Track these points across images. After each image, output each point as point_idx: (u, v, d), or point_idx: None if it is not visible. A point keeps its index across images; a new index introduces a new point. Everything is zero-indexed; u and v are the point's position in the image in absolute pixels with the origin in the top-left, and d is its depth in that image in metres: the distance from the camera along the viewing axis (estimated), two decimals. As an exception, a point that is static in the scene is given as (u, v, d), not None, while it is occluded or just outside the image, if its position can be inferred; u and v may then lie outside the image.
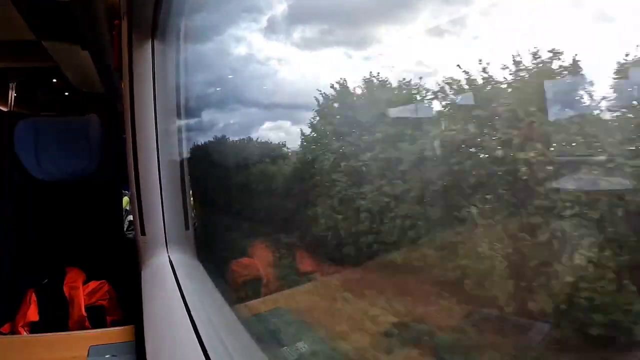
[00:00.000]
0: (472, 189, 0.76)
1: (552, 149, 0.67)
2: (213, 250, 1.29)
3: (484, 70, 0.75)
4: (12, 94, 3.14)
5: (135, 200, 1.06)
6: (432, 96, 0.87)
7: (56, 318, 1.33)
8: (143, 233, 1.06)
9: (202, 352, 0.65)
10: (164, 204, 1.06)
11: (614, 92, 0.60)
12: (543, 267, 0.66)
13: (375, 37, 1.12)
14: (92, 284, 1.42)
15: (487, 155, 0.76)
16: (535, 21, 0.70)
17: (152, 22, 1.02)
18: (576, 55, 0.63)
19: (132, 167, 1.06)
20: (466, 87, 0.79)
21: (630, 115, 0.61)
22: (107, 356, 0.93)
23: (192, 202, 1.15)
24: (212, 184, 1.51)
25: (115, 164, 1.60)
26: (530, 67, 0.69)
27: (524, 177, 0.67)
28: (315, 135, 1.21)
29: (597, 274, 0.59)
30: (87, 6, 1.49)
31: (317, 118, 1.18)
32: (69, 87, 2.95)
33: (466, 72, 0.77)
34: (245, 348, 0.74)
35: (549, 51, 0.66)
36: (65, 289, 1.39)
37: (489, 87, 0.76)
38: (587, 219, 0.61)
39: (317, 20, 1.27)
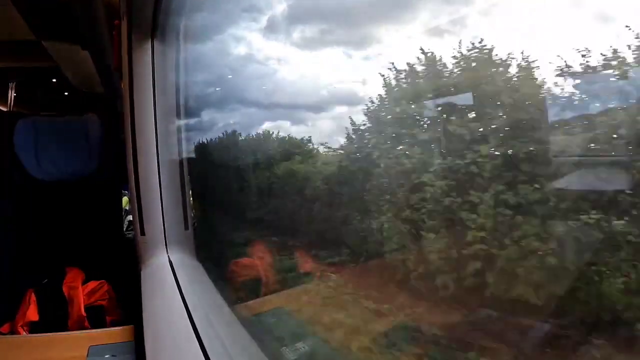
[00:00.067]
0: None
1: None
2: (214, 251, 1.29)
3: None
4: (11, 94, 3.14)
5: (135, 200, 1.06)
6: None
7: (56, 318, 1.33)
8: (143, 233, 1.06)
9: (201, 352, 0.65)
10: (163, 204, 1.06)
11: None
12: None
13: (375, 37, 1.12)
14: (92, 284, 1.42)
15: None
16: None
17: (151, 22, 1.02)
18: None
19: (132, 167, 1.06)
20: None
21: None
22: (106, 356, 0.93)
23: (191, 202, 1.15)
24: (212, 184, 1.51)
25: (115, 164, 1.60)
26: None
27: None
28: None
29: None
30: (87, 6, 1.49)
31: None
32: (68, 87, 2.95)
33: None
34: (244, 348, 0.74)
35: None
36: (64, 288, 1.39)
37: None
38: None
39: (317, 20, 1.27)
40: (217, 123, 1.55)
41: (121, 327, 1.05)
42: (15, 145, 1.55)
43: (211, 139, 1.54)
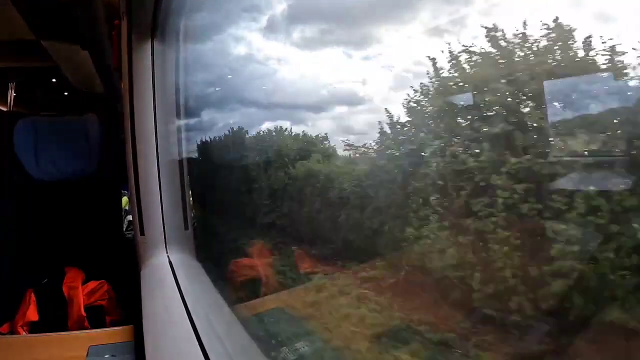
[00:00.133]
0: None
1: None
2: (213, 250, 1.28)
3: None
4: (11, 94, 3.14)
5: (135, 200, 1.06)
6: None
7: (55, 318, 1.33)
8: (142, 233, 1.06)
9: (201, 352, 0.65)
10: (163, 204, 1.06)
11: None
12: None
13: (375, 37, 1.12)
14: (92, 284, 1.42)
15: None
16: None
17: (151, 22, 1.02)
18: None
19: (132, 167, 1.06)
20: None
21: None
22: (106, 356, 0.93)
23: (191, 202, 1.15)
24: (212, 184, 1.51)
25: (114, 164, 1.60)
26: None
27: None
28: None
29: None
30: (87, 6, 1.49)
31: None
32: (68, 87, 2.95)
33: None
34: (244, 348, 0.74)
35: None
36: (64, 288, 1.39)
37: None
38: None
39: (317, 20, 1.27)
40: (217, 123, 1.55)
41: (121, 327, 1.05)
42: (15, 145, 1.55)
43: (213, 138, 1.53)
